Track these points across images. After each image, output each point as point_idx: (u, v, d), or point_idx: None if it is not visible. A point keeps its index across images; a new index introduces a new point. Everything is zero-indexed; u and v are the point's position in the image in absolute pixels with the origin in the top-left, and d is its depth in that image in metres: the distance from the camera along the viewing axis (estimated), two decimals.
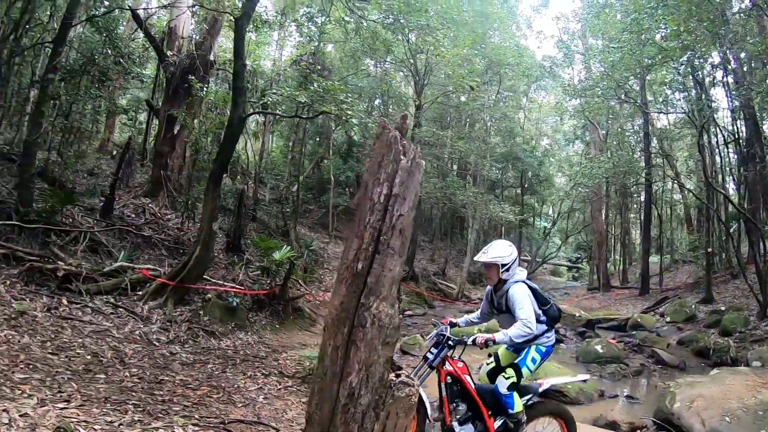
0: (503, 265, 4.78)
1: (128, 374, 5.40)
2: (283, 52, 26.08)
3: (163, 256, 10.75)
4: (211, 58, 14.85)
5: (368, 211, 2.68)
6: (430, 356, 4.63)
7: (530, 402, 4.88)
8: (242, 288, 10.37)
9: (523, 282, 4.81)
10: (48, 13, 13.24)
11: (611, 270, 28.73)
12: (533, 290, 4.84)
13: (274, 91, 11.13)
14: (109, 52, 13.54)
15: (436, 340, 4.71)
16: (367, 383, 2.61)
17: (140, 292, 8.55)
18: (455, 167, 28.20)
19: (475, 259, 5.00)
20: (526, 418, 4.71)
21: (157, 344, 7.04)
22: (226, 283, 10.21)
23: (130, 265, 9.13)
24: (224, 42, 19.53)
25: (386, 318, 2.61)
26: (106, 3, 12.74)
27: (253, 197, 18.09)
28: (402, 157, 2.72)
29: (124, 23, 17.44)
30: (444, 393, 4.65)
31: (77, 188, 12.71)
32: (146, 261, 10.01)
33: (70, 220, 10.17)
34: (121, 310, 7.69)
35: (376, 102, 26.16)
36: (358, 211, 2.78)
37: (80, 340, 6.05)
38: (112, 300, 7.92)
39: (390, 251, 2.63)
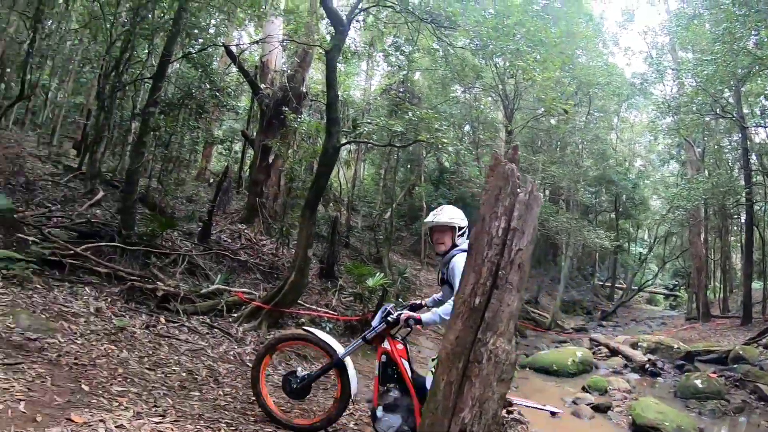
0: (460, 228, 4.41)
1: (221, 393, 5.47)
2: (372, 82, 26.52)
3: (258, 280, 11.00)
4: (303, 89, 15.28)
5: (486, 245, 2.63)
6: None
7: None
8: (335, 313, 10.42)
9: None
10: (146, 51, 13.99)
11: (711, 298, 27.11)
12: None
13: (368, 120, 11.29)
14: (205, 86, 14.19)
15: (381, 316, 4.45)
16: (480, 420, 2.53)
17: (235, 314, 8.72)
18: (547, 192, 27.60)
19: (427, 221, 4.57)
20: None
21: (251, 365, 7.16)
22: (319, 309, 10.30)
23: (226, 287, 9.38)
24: (315, 73, 20.07)
25: (503, 354, 2.54)
26: (201, 40, 13.35)
27: (346, 224, 18.34)
28: (519, 190, 2.67)
29: (218, 59, 18.26)
30: (377, 372, 4.42)
31: (176, 214, 13.28)
32: (242, 284, 10.27)
33: (170, 243, 10.60)
34: (216, 330, 7.84)
35: (466, 128, 26.08)
36: (474, 244, 2.73)
37: (176, 358, 6.20)
38: (208, 321, 8.10)
39: (508, 286, 2.57)
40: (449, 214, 4.46)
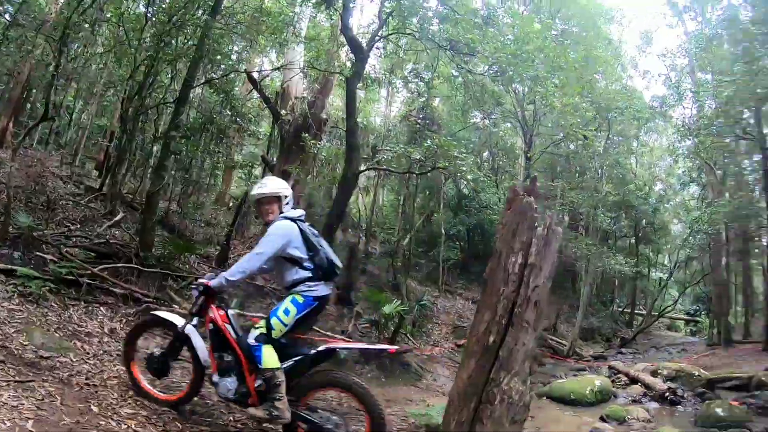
0: (285, 197, 4.65)
1: (233, 419, 5.34)
2: (392, 108, 26.58)
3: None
4: (323, 116, 15.41)
5: (502, 281, 2.56)
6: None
7: (295, 364, 4.39)
8: (351, 340, 10.32)
9: (292, 220, 4.57)
10: (169, 76, 14.22)
11: (732, 323, 26.51)
12: (302, 231, 4.53)
13: (388, 148, 11.37)
14: (227, 111, 14.37)
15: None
16: None
17: None
18: (566, 218, 27.34)
19: (252, 194, 4.75)
20: (282, 379, 4.23)
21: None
22: (335, 335, 10.23)
23: (243, 312, 9.34)
24: (335, 100, 20.26)
25: (516, 395, 2.47)
26: (223, 66, 13.55)
27: (364, 250, 18.33)
28: (537, 224, 2.62)
29: (240, 85, 18.51)
30: (209, 341, 4.53)
31: (195, 237, 13.38)
32: (258, 310, 10.17)
33: (187, 266, 10.66)
34: None
35: (485, 154, 26.03)
36: (490, 281, 2.67)
37: (189, 381, 6.21)
38: None
39: (524, 325, 2.49)
40: (274, 185, 4.71)
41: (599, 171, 24.67)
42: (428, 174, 12.99)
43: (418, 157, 10.12)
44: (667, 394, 12.26)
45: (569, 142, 21.83)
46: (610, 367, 16.02)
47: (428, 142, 10.46)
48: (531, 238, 2.60)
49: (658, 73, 36.49)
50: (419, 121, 17.81)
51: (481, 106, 20.85)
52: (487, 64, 13.20)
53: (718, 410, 10.22)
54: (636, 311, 33.10)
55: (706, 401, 11.55)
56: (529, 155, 20.69)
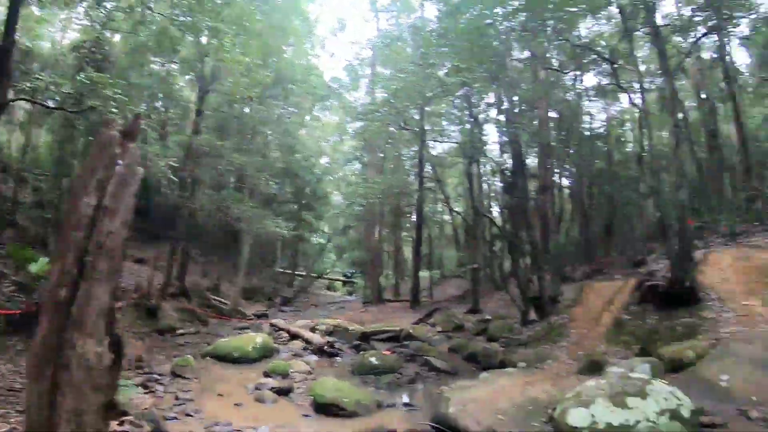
0: None
1: None
2: (66, 35, 23.16)
3: None
4: None
5: (74, 226, 2.18)
6: None
7: None
8: None
9: None
10: None
11: (385, 284, 30.07)
12: None
13: (38, 76, 9.69)
14: None
15: None
16: None
17: None
18: (232, 180, 27.27)
19: None
20: None
21: None
22: None
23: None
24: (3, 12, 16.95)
25: (94, 358, 2.12)
26: None
27: (13, 199, 15.72)
28: (119, 163, 2.29)
29: None
30: None
31: None
32: None
33: None
34: None
35: (159, 104, 24.35)
36: (65, 225, 2.24)
37: None
38: None
39: (97, 276, 2.16)
40: None
41: (269, 137, 25.27)
42: (94, 116, 11.50)
43: (67, 91, 8.87)
44: (326, 347, 13.37)
45: (243, 105, 21.77)
46: (271, 325, 16.73)
47: (81, 75, 9.24)
48: (109, 177, 2.28)
49: (344, 58, 39.40)
50: (91, 53, 15.83)
51: (161, 51, 19.50)
52: (170, 7, 12.31)
53: (373, 359, 11.72)
54: (297, 272, 35.35)
55: (362, 352, 13.13)
56: (198, 109, 19.98)
